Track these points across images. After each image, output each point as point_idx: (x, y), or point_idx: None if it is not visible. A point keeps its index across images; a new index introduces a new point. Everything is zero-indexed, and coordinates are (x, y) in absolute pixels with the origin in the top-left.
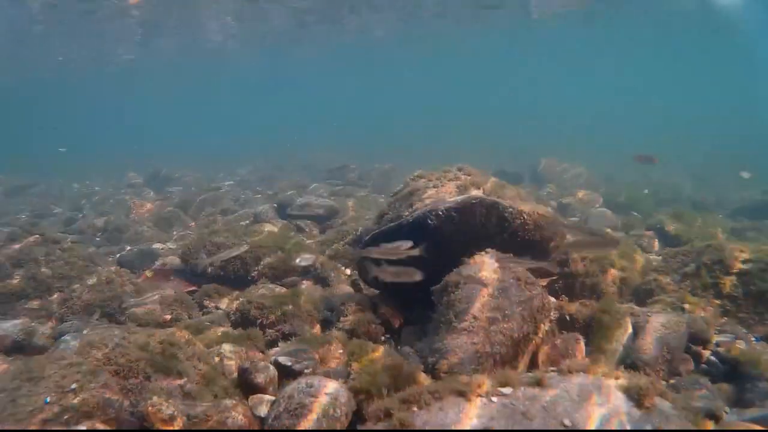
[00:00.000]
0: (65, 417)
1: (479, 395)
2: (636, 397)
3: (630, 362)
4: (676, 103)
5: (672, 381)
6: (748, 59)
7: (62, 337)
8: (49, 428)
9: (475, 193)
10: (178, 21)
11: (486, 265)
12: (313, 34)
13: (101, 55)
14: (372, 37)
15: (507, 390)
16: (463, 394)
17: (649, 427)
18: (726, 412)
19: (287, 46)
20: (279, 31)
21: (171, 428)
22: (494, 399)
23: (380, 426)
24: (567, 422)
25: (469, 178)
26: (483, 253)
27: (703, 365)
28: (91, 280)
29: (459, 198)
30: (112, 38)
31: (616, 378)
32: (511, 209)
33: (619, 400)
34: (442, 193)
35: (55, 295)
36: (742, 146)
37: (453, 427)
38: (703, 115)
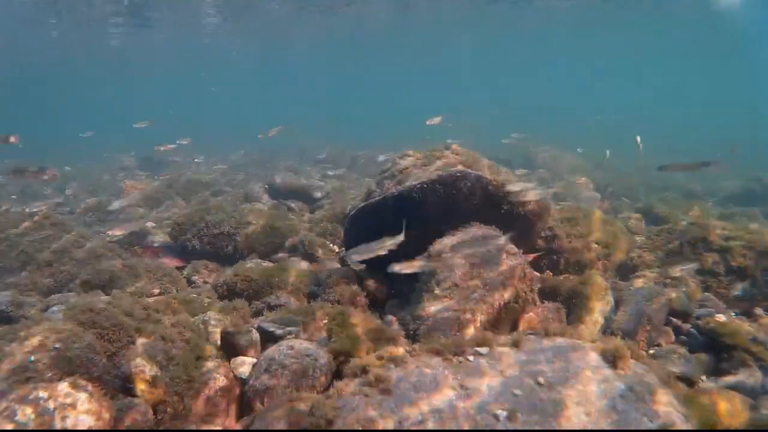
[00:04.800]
0: (48, 374)
1: (456, 354)
2: (611, 358)
3: (610, 333)
4: (677, 100)
5: (651, 351)
6: (749, 60)
7: (50, 309)
8: (32, 384)
9: (460, 167)
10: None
11: (469, 236)
12: (309, 20)
13: (93, 38)
14: (368, 23)
15: (484, 350)
16: (439, 353)
17: (621, 385)
18: (703, 380)
19: (282, 33)
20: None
21: (153, 389)
22: (471, 358)
23: (357, 381)
24: (541, 380)
25: (457, 157)
26: (467, 225)
27: (683, 336)
28: (81, 255)
29: (443, 172)
30: (104, 22)
31: (593, 341)
32: (495, 183)
33: (594, 360)
34: (430, 170)
35: (45, 269)
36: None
37: (428, 383)
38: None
